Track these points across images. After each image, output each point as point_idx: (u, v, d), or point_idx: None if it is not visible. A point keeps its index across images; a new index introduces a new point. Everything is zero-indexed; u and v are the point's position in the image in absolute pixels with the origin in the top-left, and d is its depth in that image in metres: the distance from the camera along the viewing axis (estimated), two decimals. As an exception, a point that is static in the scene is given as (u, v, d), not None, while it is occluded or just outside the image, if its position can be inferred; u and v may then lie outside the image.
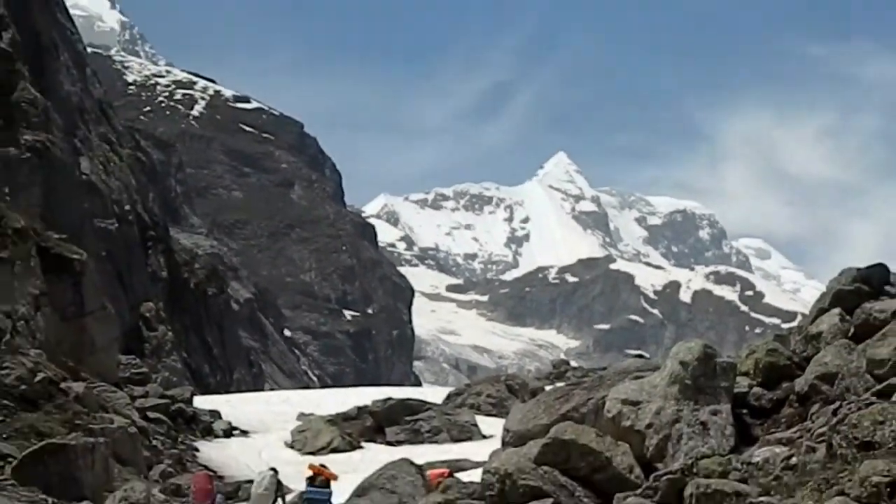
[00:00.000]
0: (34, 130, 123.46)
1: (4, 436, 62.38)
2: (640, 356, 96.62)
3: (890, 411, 17.25)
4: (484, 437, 62.03)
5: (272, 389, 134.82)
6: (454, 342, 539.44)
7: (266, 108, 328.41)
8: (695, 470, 18.03)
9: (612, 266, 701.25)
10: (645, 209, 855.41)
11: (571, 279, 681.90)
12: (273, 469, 42.03)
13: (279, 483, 40.08)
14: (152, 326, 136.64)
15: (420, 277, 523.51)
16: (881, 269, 29.19)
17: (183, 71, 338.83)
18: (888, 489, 11.58)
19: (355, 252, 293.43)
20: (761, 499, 14.93)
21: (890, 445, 14.78)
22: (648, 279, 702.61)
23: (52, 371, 70.27)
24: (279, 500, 39.69)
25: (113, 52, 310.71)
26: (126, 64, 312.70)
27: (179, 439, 72.63)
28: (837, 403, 22.22)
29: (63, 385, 68.96)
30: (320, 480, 40.98)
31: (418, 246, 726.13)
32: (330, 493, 40.21)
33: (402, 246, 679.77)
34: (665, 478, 18.81)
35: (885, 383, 21.26)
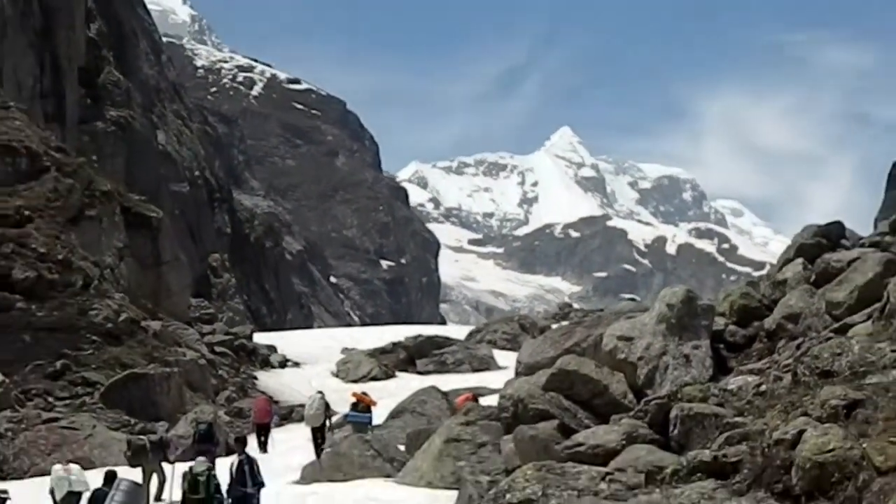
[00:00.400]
0: (118, 108, 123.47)
1: (94, 366, 62.29)
2: (633, 300, 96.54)
3: (846, 345, 16.95)
4: (499, 367, 61.66)
5: (320, 327, 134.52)
6: (474, 288, 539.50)
7: (314, 89, 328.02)
8: (679, 396, 17.76)
9: (609, 223, 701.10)
10: (637, 175, 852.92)
11: (574, 234, 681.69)
12: (321, 393, 41.85)
13: (327, 406, 39.89)
14: (218, 274, 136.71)
15: (445, 233, 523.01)
16: (837, 225, 29.14)
17: (244, 57, 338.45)
18: (844, 410, 11.27)
19: (390, 211, 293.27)
20: (736, 419, 14.61)
21: (846, 374, 14.47)
22: (640, 234, 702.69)
23: (133, 312, 70.20)
24: (327, 420, 39.47)
25: (184, 41, 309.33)
26: (195, 51, 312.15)
27: (241, 370, 72.69)
28: (801, 339, 22.02)
29: (143, 323, 68.92)
30: (362, 406, 40.88)
31: (444, 206, 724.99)
32: (370, 417, 40.07)
33: (430, 206, 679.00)
34: (654, 402, 18.48)
35: (841, 322, 21.08)
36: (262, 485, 23.13)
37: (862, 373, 13.81)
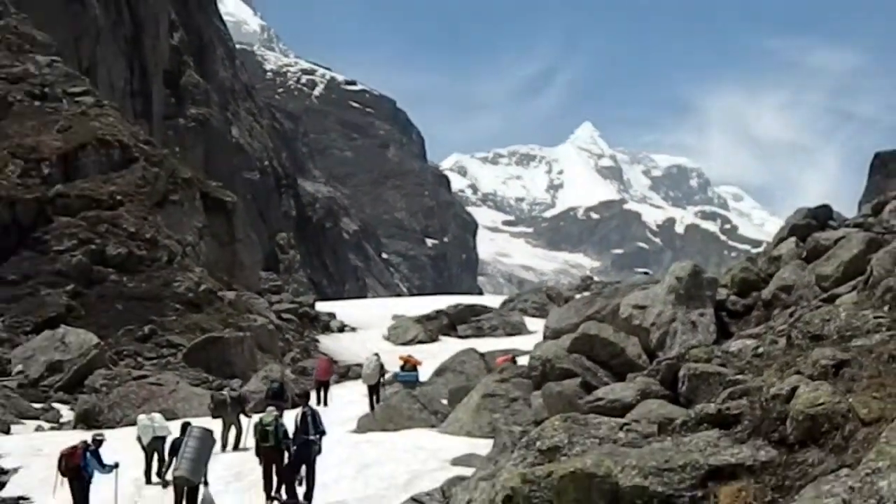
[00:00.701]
0: (197, 106, 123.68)
1: (177, 331, 62.61)
2: (646, 273, 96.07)
3: (834, 312, 16.88)
4: (529, 332, 61.65)
5: (373, 297, 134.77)
6: (507, 263, 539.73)
7: (368, 89, 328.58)
8: (686, 357, 17.71)
9: (625, 206, 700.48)
10: (649, 164, 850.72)
11: (594, 216, 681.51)
12: (377, 355, 42.08)
13: (382, 366, 40.11)
14: (285, 251, 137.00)
15: (482, 215, 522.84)
16: (825, 208, 29.12)
17: (307, 62, 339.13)
18: (833, 369, 11.24)
19: (434, 196, 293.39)
20: (737, 377, 14.56)
21: (834, 337, 14.42)
22: (652, 216, 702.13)
23: (211, 283, 70.50)
24: (381, 377, 39.71)
25: (255, 48, 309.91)
26: (265, 57, 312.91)
27: (305, 334, 72.97)
28: (793, 307, 21.97)
29: (219, 293, 69.23)
30: (408, 366, 41.12)
31: (481, 191, 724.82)
32: (417, 375, 40.21)
33: (469, 191, 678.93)
34: (664, 362, 18.42)
35: (829, 293, 21.03)
36: (323, 433, 23.24)
37: (848, 336, 13.73)
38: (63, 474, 21.97)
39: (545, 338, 36.49)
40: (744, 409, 11.14)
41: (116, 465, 22.69)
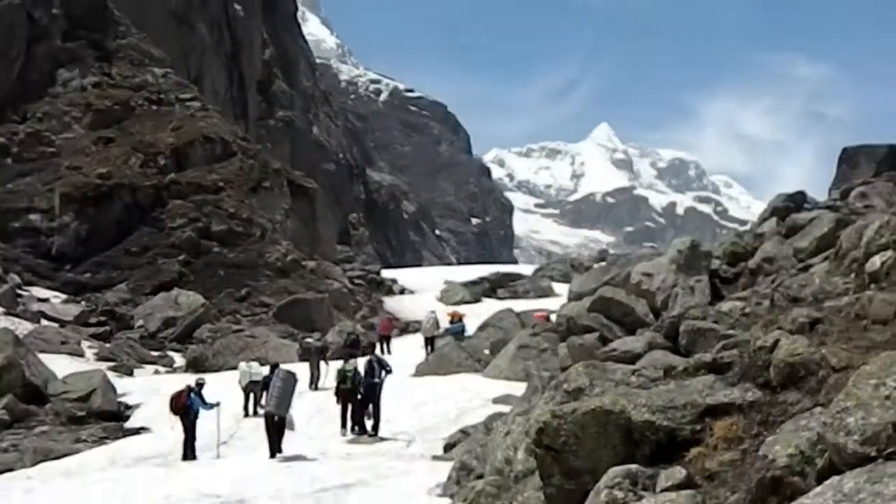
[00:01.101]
0: (284, 110, 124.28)
1: (268, 293, 63.00)
2: (652, 247, 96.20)
3: (809, 279, 16.86)
4: (556, 295, 61.64)
5: (427, 266, 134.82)
6: (538, 238, 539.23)
7: (424, 95, 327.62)
8: (685, 315, 17.65)
9: (635, 192, 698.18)
10: (655, 157, 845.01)
11: (609, 200, 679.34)
12: (434, 312, 42.45)
13: (437, 322, 40.39)
14: (355, 228, 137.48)
15: (517, 199, 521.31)
16: (801, 194, 29.06)
17: (374, 73, 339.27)
18: (808, 325, 11.19)
19: (478, 183, 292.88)
20: (728, 332, 14.54)
21: (809, 299, 14.34)
22: (657, 201, 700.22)
23: (296, 254, 70.86)
24: (437, 330, 40.00)
25: (332, 61, 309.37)
26: (340, 69, 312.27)
27: (372, 296, 73.28)
28: (775, 275, 21.87)
29: (303, 262, 69.41)
30: (455, 319, 41.58)
31: (516, 180, 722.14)
32: (463, 326, 40.57)
33: (506, 180, 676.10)
34: (668, 320, 18.37)
35: (804, 263, 20.93)
36: (390, 371, 23.52)
37: (821, 298, 13.62)
38: (174, 413, 22.40)
39: (569, 300, 36.66)
40: (734, 358, 11.09)
41: (218, 404, 23.08)
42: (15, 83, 73.43)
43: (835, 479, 6.62)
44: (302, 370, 29.59)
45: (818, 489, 6.63)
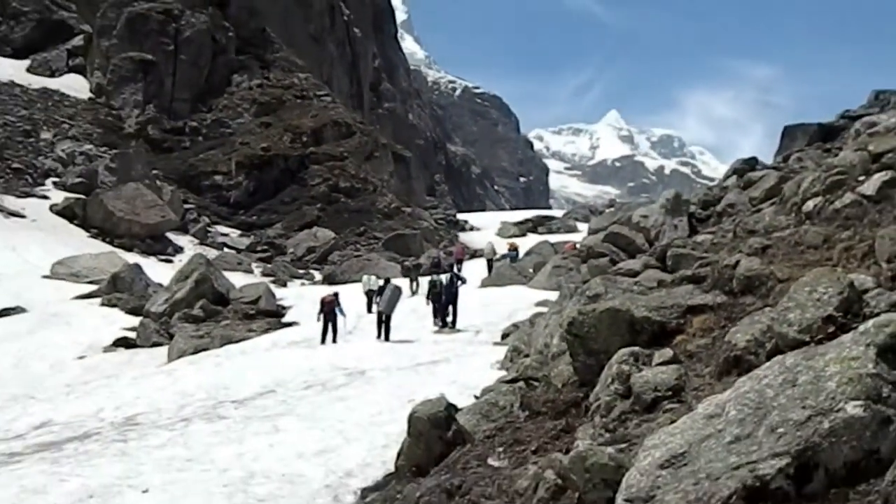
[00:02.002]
0: (388, 102, 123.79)
1: (379, 230, 63.12)
2: (647, 198, 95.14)
3: (760, 217, 16.64)
4: (579, 231, 61.01)
5: (489, 211, 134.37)
6: (566, 191, 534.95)
7: (487, 91, 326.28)
8: (671, 244, 17.45)
9: (635, 159, 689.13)
10: (650, 134, 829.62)
11: (617, 164, 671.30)
12: (492, 242, 42.72)
13: (494, 249, 40.38)
14: (438, 185, 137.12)
15: (552, 164, 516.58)
16: (754, 159, 28.50)
17: (451, 75, 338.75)
18: (761, 249, 11.04)
19: (524, 153, 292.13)
20: (702, 255, 14.35)
21: (761, 232, 14.12)
22: (651, 165, 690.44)
23: (398, 203, 71.25)
24: (494, 255, 39.86)
25: (421, 68, 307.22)
26: (427, 73, 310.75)
27: (450, 231, 72.89)
28: (735, 215, 21.55)
29: (402, 209, 69.21)
30: (511, 248, 41.23)
31: (552, 150, 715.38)
32: (516, 255, 40.21)
33: (544, 150, 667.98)
34: (659, 248, 18.15)
35: (757, 207, 20.60)
36: (464, 282, 23.83)
37: (770, 231, 13.37)
38: (323, 310, 22.77)
39: (588, 234, 36.42)
40: (707, 273, 10.92)
41: (344, 316, 23.45)
42: (203, 85, 74.04)
43: (779, 357, 6.55)
44: (403, 283, 29.89)
45: (767, 364, 6.57)
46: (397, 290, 22.62)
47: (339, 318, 23.03)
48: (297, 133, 72.66)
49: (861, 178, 12.66)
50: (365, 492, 8.62)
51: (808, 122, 35.89)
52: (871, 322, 6.37)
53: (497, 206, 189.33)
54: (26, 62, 71.45)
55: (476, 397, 11.53)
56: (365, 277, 29.75)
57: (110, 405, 14.96)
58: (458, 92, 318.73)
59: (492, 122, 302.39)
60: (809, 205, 13.27)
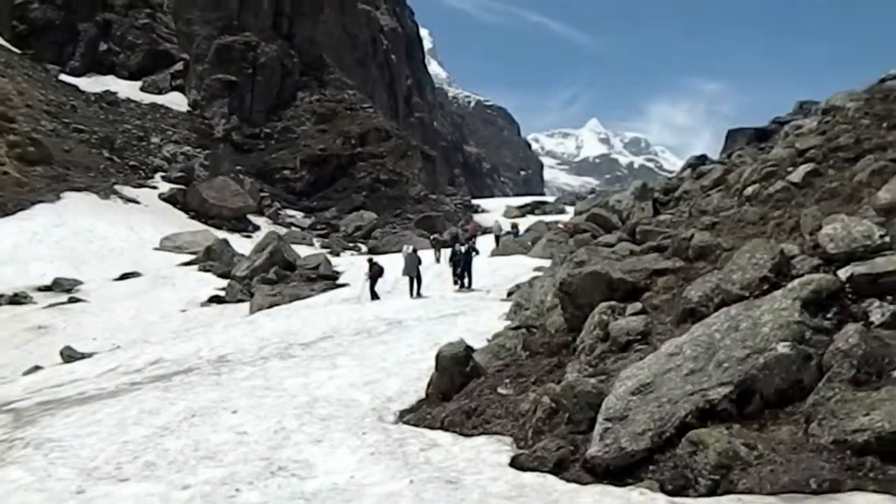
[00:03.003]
0: (419, 112, 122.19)
1: (410, 213, 62.25)
2: (621, 187, 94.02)
3: (710, 200, 16.33)
4: (567, 213, 60.39)
5: (496, 197, 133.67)
6: (557, 182, 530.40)
7: (494, 104, 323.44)
8: (639, 223, 17.25)
9: (611, 156, 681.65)
10: (623, 136, 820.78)
11: (597, 161, 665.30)
12: (498, 221, 41.95)
13: (500, 226, 39.74)
14: (457, 177, 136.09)
15: (546, 160, 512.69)
16: (704, 156, 28.18)
17: (467, 91, 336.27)
18: (710, 225, 10.90)
19: (524, 152, 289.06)
20: (664, 230, 14.19)
21: (711, 211, 13.91)
22: (623, 161, 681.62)
23: (426, 191, 70.16)
24: (500, 231, 39.27)
25: (444, 86, 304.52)
26: (448, 90, 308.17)
27: (466, 213, 72.36)
28: (690, 199, 21.24)
29: (429, 196, 68.56)
30: (513, 226, 40.71)
31: (546, 149, 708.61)
32: (518, 231, 39.69)
33: (540, 150, 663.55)
34: (629, 225, 17.97)
35: (707, 192, 20.30)
36: (477, 253, 23.71)
37: (717, 211, 13.21)
38: (371, 272, 22.80)
39: (574, 215, 36.04)
40: (668, 243, 10.80)
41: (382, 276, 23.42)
42: (275, 99, 73.86)
43: (725, 308, 6.51)
44: (430, 253, 29.83)
45: (715, 314, 6.53)
46: (415, 257, 22.78)
47: (380, 280, 23.09)
48: (347, 137, 72.37)
49: (789, 168, 12.45)
50: (402, 413, 8.68)
51: (746, 126, 35.46)
52: (796, 281, 6.33)
53: (503, 193, 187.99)
54: (139, 83, 71.63)
55: (488, 341, 11.54)
56: (405, 248, 29.60)
57: (206, 347, 15.12)
58: (472, 104, 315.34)
59: (499, 128, 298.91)
60: (749, 190, 13.07)
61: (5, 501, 6.26)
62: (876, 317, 5.76)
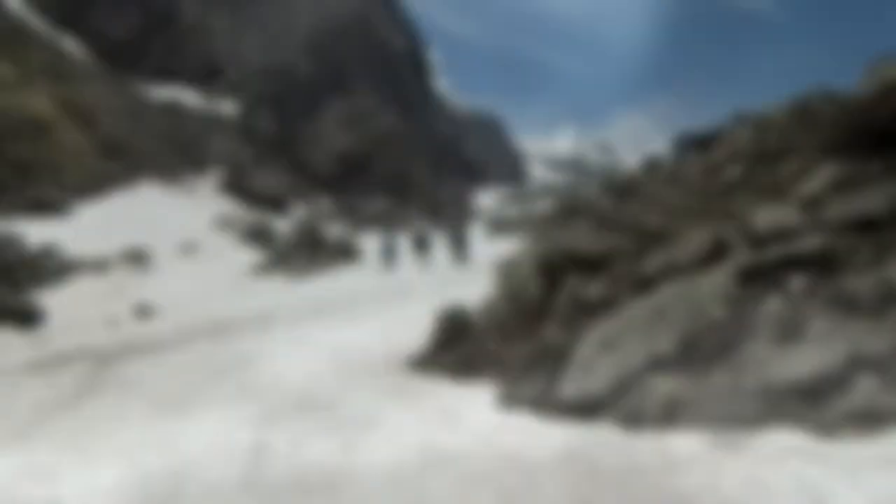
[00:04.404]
0: (422, 119, 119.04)
1: (421, 203, 60.07)
2: (591, 184, 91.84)
3: (662, 193, 16.10)
4: (547, 205, 59.28)
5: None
6: (540, 178, 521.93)
7: (489, 111, 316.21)
8: (604, 211, 16.92)
9: (584, 157, 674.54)
10: (596, 138, 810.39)
11: (576, 156, 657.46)
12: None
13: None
14: (452, 175, 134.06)
15: (531, 159, 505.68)
16: (658, 156, 27.49)
17: (462, 100, 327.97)
18: (664, 213, 10.83)
19: (514, 153, 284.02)
20: (625, 216, 13.90)
21: (663, 202, 13.77)
22: (593, 160, 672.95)
23: (430, 186, 67.57)
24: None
25: (447, 97, 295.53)
26: (445, 96, 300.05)
27: (462, 207, 70.48)
28: (647, 192, 20.88)
29: (435, 191, 66.34)
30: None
31: (529, 150, 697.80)
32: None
33: (526, 150, 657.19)
34: (596, 211, 17.50)
35: (660, 186, 20.01)
36: (466, 238, 22.69)
37: (669, 201, 13.09)
38: (385, 247, 21.88)
39: (551, 207, 35.15)
40: (629, 226, 10.74)
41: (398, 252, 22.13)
42: (310, 106, 73.36)
43: (673, 280, 6.48)
44: (440, 236, 29.16)
45: (665, 284, 6.49)
46: (397, 240, 21.41)
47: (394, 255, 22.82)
48: (367, 137, 71.74)
49: (729, 167, 12.36)
50: (412, 358, 8.74)
51: (693, 132, 35.19)
52: (731, 258, 6.33)
53: (495, 189, 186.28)
54: (199, 90, 70.95)
55: (481, 305, 11.56)
56: (393, 235, 27.36)
57: (253, 306, 15.15)
58: (462, 110, 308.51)
59: (499, 132, 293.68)
60: (695, 184, 12.99)
61: (93, 425, 6.34)
62: (794, 287, 5.78)
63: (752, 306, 5.66)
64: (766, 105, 17.10)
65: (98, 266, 27.39)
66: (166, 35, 71.96)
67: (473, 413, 5.86)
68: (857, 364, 4.58)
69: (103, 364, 9.62)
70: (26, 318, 13.76)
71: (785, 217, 6.48)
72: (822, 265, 5.71)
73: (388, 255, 21.13)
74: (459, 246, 22.24)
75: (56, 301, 17.39)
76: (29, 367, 9.45)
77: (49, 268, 22.52)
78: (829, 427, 4.36)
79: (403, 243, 21.67)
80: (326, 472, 4.89)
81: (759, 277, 5.96)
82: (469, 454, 4.95)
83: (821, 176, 7.52)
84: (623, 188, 29.30)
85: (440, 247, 26.38)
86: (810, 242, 5.96)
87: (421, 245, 21.84)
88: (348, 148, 72.37)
